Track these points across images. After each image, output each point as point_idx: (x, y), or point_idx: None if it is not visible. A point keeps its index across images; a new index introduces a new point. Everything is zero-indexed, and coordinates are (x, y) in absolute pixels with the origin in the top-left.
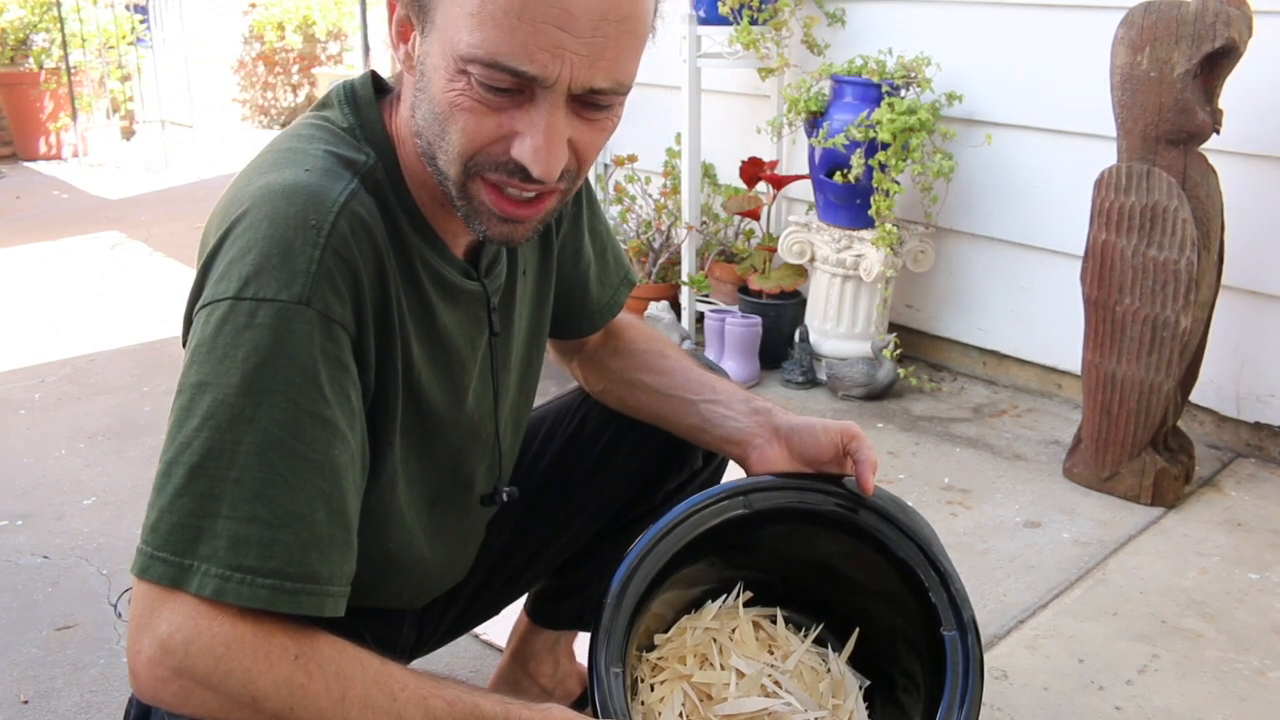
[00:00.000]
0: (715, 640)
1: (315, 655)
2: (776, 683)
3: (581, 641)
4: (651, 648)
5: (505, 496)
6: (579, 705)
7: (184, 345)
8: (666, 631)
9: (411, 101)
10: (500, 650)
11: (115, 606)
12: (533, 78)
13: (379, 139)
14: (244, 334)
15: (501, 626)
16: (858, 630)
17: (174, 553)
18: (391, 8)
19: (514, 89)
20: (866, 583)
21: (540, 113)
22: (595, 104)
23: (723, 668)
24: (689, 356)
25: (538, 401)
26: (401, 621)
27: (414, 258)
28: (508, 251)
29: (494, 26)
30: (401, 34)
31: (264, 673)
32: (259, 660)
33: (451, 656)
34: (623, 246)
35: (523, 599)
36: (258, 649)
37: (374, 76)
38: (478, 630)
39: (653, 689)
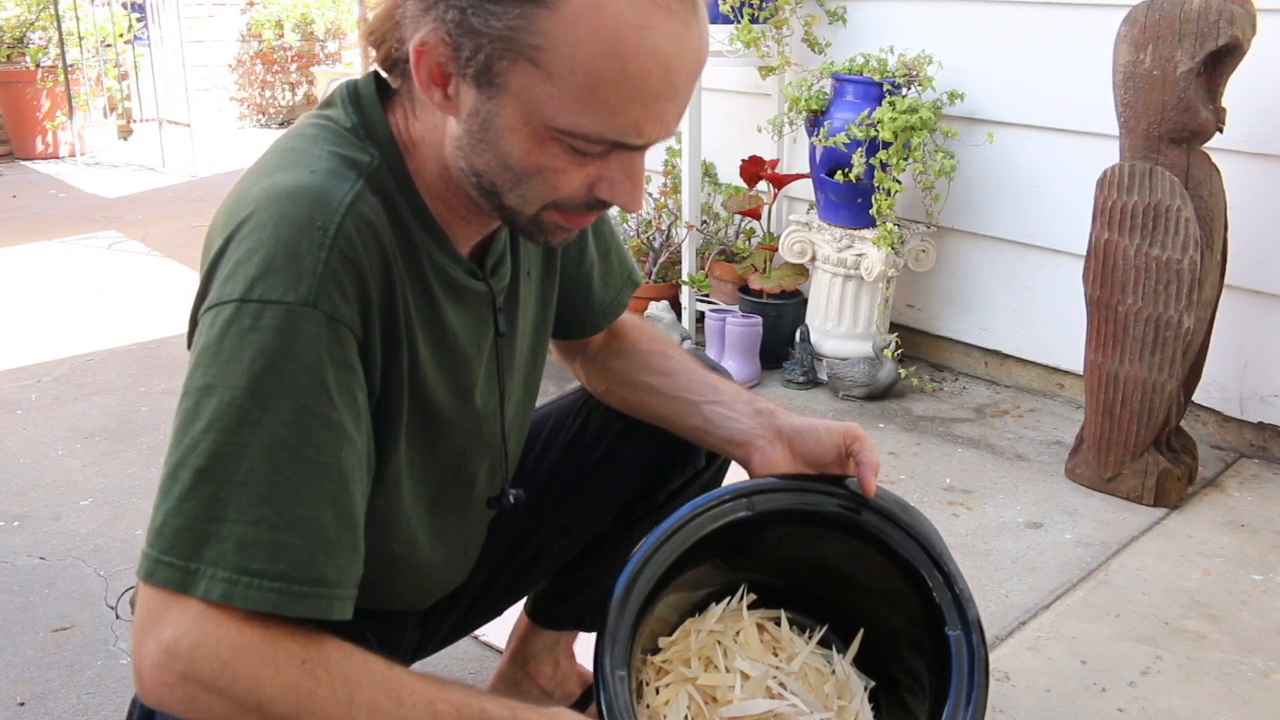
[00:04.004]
0: (719, 643)
1: (322, 660)
2: (782, 684)
3: (582, 642)
4: (656, 651)
5: (512, 499)
6: (579, 706)
7: (189, 347)
8: (670, 634)
9: (444, 127)
10: (500, 651)
11: (114, 608)
12: (637, 144)
13: (383, 138)
14: (250, 336)
15: (501, 628)
16: (862, 631)
17: (180, 556)
18: (419, 54)
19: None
20: (870, 583)
21: (633, 162)
22: None
23: (727, 670)
24: (692, 357)
25: (539, 402)
26: (405, 623)
27: (420, 257)
28: (512, 252)
29: (606, 111)
30: (435, 80)
31: (271, 677)
32: (266, 665)
33: (451, 658)
34: (626, 246)
35: (523, 600)
36: (265, 653)
37: (376, 76)
38: (477, 631)
39: (658, 692)
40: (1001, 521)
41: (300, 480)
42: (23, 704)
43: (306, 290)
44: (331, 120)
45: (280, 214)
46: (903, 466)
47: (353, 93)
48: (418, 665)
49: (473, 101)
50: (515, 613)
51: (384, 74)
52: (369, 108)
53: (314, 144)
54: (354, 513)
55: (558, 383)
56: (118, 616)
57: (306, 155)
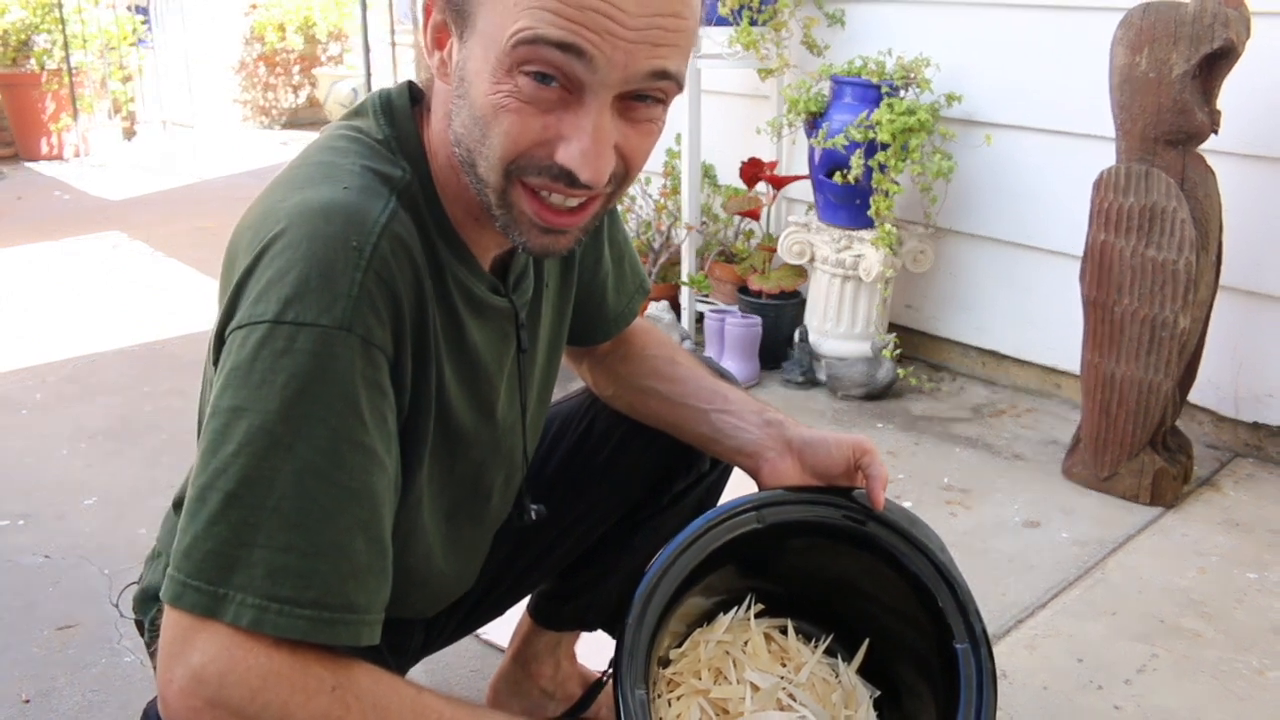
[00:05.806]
0: (728, 653)
1: (352, 686)
2: (791, 695)
3: (584, 643)
4: (666, 663)
5: (534, 515)
6: (580, 706)
7: (214, 365)
8: (679, 645)
9: (448, 110)
10: (502, 650)
11: (117, 606)
12: (581, 52)
13: (414, 152)
14: (283, 359)
15: (503, 626)
16: (867, 640)
17: (208, 581)
18: (427, 13)
19: (561, 80)
20: (878, 595)
21: (587, 115)
22: (645, 95)
23: (737, 681)
24: (701, 364)
25: None
26: (412, 629)
27: (446, 275)
28: (534, 266)
29: (542, 8)
30: (438, 41)
31: (301, 705)
32: (296, 692)
33: (454, 657)
34: (637, 255)
35: (526, 600)
36: (295, 681)
37: (410, 86)
38: (479, 630)
39: (669, 705)
40: (999, 520)
41: (332, 506)
42: (28, 701)
43: (341, 313)
44: (362, 132)
45: (314, 232)
46: (901, 466)
47: (385, 103)
48: (421, 664)
49: (457, 54)
50: (517, 612)
51: (419, 81)
52: (401, 119)
53: (345, 157)
54: (384, 538)
55: (562, 382)
56: (121, 615)
57: (338, 170)
